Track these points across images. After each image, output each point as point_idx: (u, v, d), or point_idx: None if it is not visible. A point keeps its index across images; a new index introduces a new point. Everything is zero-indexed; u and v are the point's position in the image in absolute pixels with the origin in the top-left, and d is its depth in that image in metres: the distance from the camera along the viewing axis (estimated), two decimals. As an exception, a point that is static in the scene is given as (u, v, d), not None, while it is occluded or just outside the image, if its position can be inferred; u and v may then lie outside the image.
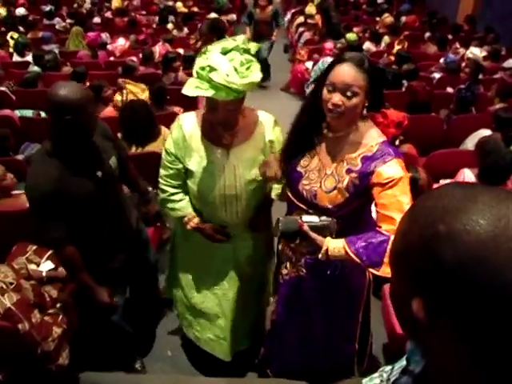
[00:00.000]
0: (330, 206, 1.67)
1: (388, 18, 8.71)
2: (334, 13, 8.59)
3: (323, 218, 1.63)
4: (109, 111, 4.17)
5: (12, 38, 7.20)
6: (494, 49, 6.48)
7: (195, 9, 10.96)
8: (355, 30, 7.98)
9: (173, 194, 2.03)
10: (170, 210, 2.07)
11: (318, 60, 6.01)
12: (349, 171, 1.64)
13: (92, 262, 2.01)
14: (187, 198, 2.05)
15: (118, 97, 4.27)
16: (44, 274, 2.34)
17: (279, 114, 2.07)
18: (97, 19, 9.54)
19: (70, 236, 1.90)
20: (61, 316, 2.18)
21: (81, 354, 2.31)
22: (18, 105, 4.65)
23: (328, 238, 1.60)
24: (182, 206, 2.04)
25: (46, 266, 2.41)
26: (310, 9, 9.01)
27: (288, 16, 10.73)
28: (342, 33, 7.15)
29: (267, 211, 2.15)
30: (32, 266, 2.37)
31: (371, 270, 1.56)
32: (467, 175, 2.93)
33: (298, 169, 1.77)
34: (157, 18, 9.69)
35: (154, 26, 9.40)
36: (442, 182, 3.05)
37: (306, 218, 1.64)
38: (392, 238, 1.39)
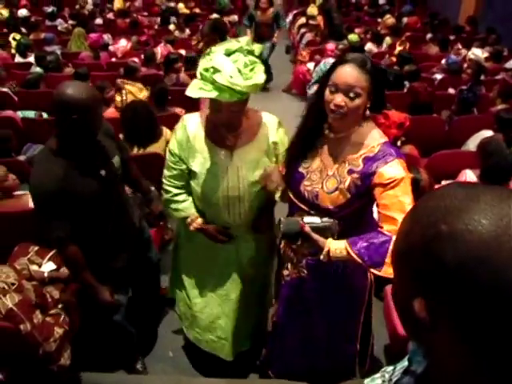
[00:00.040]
0: (331, 207, 1.67)
1: (390, 19, 8.72)
2: (337, 14, 8.60)
3: (325, 219, 1.63)
4: (110, 112, 4.18)
5: (14, 39, 7.22)
6: (495, 50, 6.48)
7: (197, 10, 10.98)
8: (357, 31, 7.97)
9: (176, 195, 2.04)
10: (174, 210, 2.08)
11: (320, 61, 6.00)
12: (350, 172, 1.64)
13: (95, 261, 2.02)
14: (191, 198, 2.06)
15: (117, 97, 4.29)
16: (46, 274, 2.34)
17: (281, 115, 2.07)
18: (99, 20, 9.55)
19: (73, 235, 1.91)
20: (62, 316, 2.18)
21: (82, 354, 2.31)
22: (20, 106, 4.65)
23: (330, 239, 1.60)
24: (186, 206, 2.04)
25: (48, 266, 2.41)
26: (312, 10, 9.01)
27: (290, 17, 10.74)
28: (345, 34, 7.15)
29: (270, 213, 2.15)
30: (34, 267, 2.37)
31: (373, 270, 1.56)
32: (469, 176, 2.93)
33: (300, 170, 1.77)
34: (159, 19, 9.71)
35: (156, 27, 9.43)
36: (444, 183, 3.04)
37: (307, 219, 1.64)
38: (394, 238, 1.39)
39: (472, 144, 3.56)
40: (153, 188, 2.61)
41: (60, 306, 2.23)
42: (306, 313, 2.02)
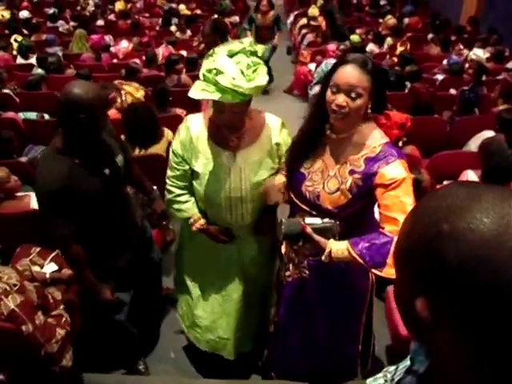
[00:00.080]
0: (332, 208, 1.67)
1: (391, 20, 8.71)
2: (339, 15, 8.61)
3: (326, 219, 1.63)
4: (112, 113, 4.18)
5: (16, 40, 7.23)
6: (497, 50, 6.47)
7: (198, 11, 11.00)
8: (358, 31, 7.98)
9: (179, 195, 2.04)
10: (176, 210, 2.08)
11: (321, 62, 5.99)
12: (352, 172, 1.64)
13: (98, 260, 2.02)
14: (193, 199, 2.06)
15: (117, 99, 4.29)
16: (47, 275, 2.35)
17: (282, 116, 2.07)
18: (100, 22, 9.58)
19: (76, 233, 1.92)
20: (64, 317, 2.18)
21: (84, 355, 2.31)
22: (21, 107, 4.66)
23: (331, 240, 1.60)
24: (188, 207, 2.05)
25: (50, 267, 2.42)
26: (313, 11, 9.00)
27: (291, 18, 10.74)
28: (347, 34, 7.15)
29: (272, 214, 2.14)
30: (36, 268, 2.37)
31: (374, 270, 1.56)
32: (470, 177, 2.92)
33: (301, 170, 1.76)
34: (160, 21, 9.72)
35: (157, 28, 9.44)
36: (446, 183, 3.04)
37: (308, 220, 1.63)
38: (395, 239, 1.39)
39: (473, 144, 3.55)
40: (155, 187, 2.62)
41: (62, 307, 2.23)
42: (307, 313, 2.02)
